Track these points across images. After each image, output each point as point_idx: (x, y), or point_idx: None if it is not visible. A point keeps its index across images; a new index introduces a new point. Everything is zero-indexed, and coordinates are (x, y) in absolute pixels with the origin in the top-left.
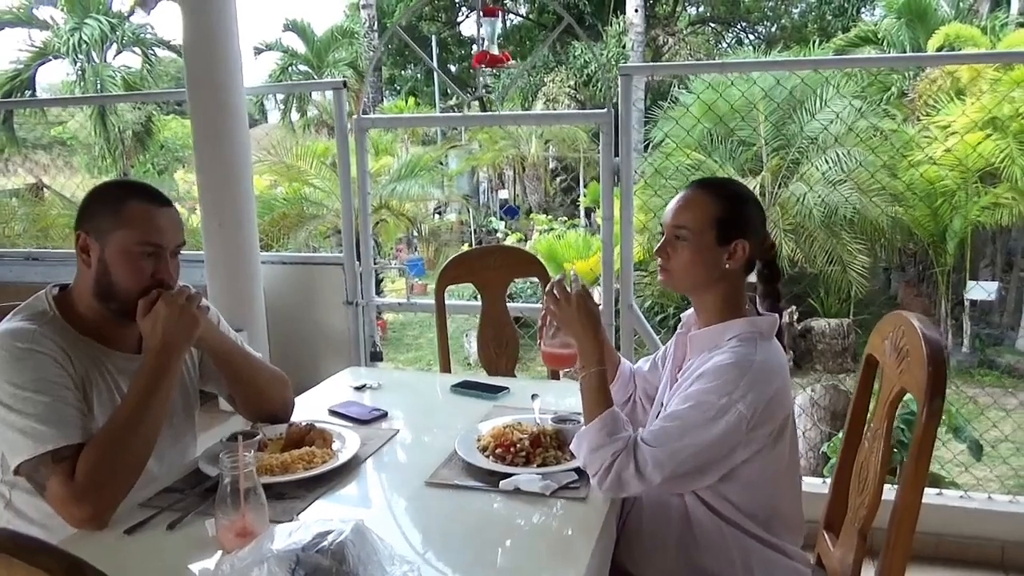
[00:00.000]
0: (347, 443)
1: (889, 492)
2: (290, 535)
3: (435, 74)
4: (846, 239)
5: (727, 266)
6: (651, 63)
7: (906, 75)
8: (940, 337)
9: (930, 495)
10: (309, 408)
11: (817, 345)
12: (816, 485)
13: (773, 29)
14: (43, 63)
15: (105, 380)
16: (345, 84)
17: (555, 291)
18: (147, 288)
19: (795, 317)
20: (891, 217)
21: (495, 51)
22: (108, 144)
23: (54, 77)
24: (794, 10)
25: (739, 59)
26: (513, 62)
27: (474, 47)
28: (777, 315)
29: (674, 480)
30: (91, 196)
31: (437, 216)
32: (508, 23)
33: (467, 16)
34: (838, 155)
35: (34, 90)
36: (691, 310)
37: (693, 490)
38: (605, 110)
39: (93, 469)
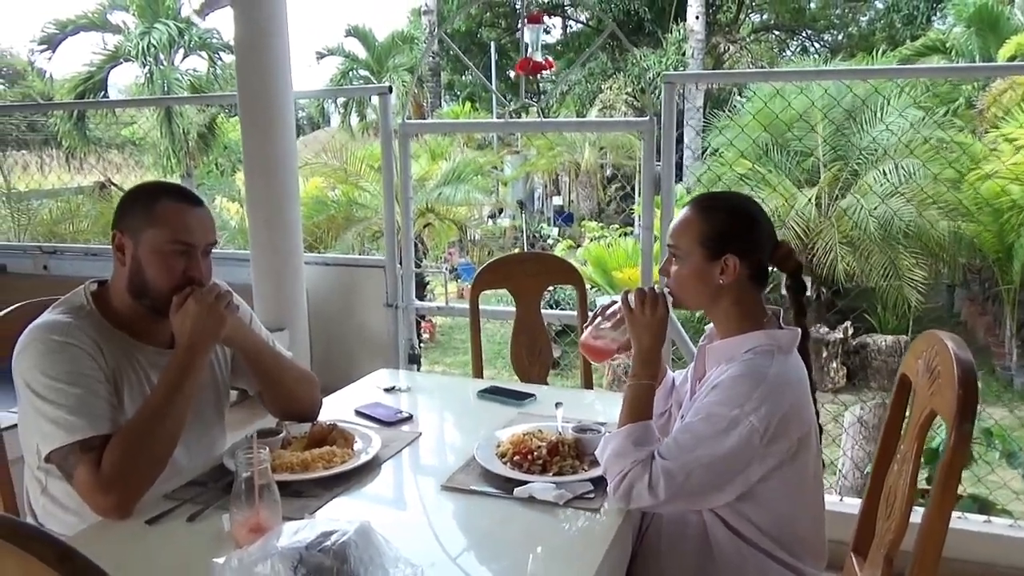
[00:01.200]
0: (368, 444)
1: (918, 516)
2: (296, 533)
3: (493, 80)
4: (903, 253)
5: (721, 281)
6: (696, 72)
7: (974, 85)
8: (972, 359)
9: (977, 522)
10: (336, 408)
11: (872, 362)
12: (857, 507)
13: (840, 37)
14: (115, 66)
15: (136, 373)
16: (390, 89)
17: (638, 297)
18: (179, 285)
19: (850, 332)
20: (953, 232)
21: (538, 58)
22: (173, 144)
23: (126, 79)
24: (862, 18)
25: (785, 69)
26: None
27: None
28: (799, 329)
29: (687, 495)
30: (126, 196)
31: (490, 221)
32: (568, 29)
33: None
34: (896, 167)
35: (106, 91)
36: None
37: (712, 508)
38: (647, 118)
39: (118, 460)
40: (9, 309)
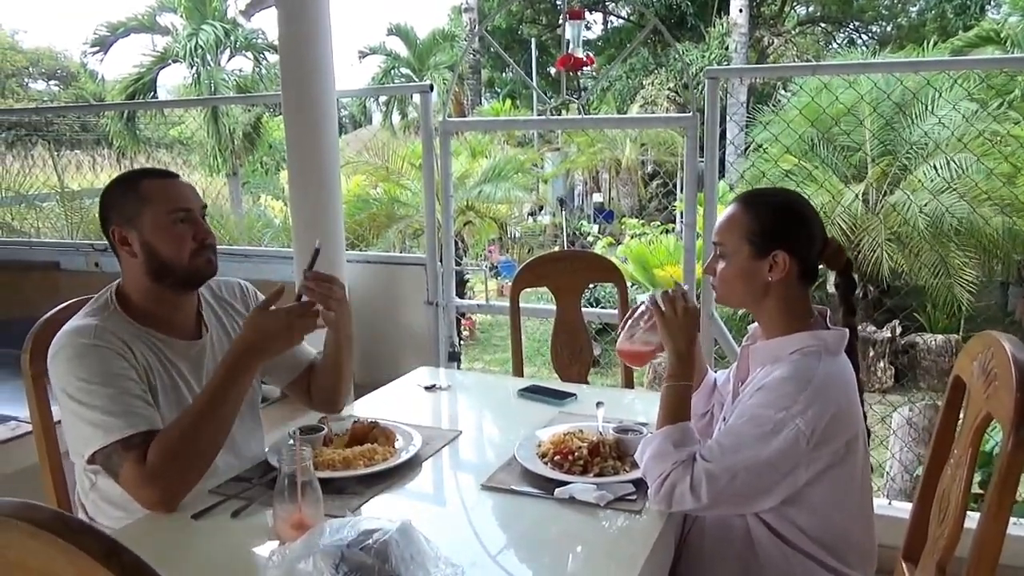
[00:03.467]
0: (409, 442)
1: (971, 521)
2: (338, 531)
3: (533, 77)
4: (953, 250)
5: (770, 279)
6: (740, 66)
7: None
8: None
9: None
10: (376, 406)
11: (921, 362)
12: (905, 510)
13: (889, 28)
14: (163, 67)
15: (165, 367)
16: (431, 88)
17: (666, 299)
18: (195, 251)
19: (898, 331)
20: (1007, 228)
21: (579, 54)
22: (219, 144)
23: (174, 80)
24: (912, 8)
25: (832, 62)
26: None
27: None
28: (847, 329)
29: (730, 499)
30: (106, 195)
31: (531, 218)
32: (609, 25)
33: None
34: (948, 161)
35: (155, 92)
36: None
37: (757, 513)
38: (690, 114)
39: (164, 455)
40: (61, 306)
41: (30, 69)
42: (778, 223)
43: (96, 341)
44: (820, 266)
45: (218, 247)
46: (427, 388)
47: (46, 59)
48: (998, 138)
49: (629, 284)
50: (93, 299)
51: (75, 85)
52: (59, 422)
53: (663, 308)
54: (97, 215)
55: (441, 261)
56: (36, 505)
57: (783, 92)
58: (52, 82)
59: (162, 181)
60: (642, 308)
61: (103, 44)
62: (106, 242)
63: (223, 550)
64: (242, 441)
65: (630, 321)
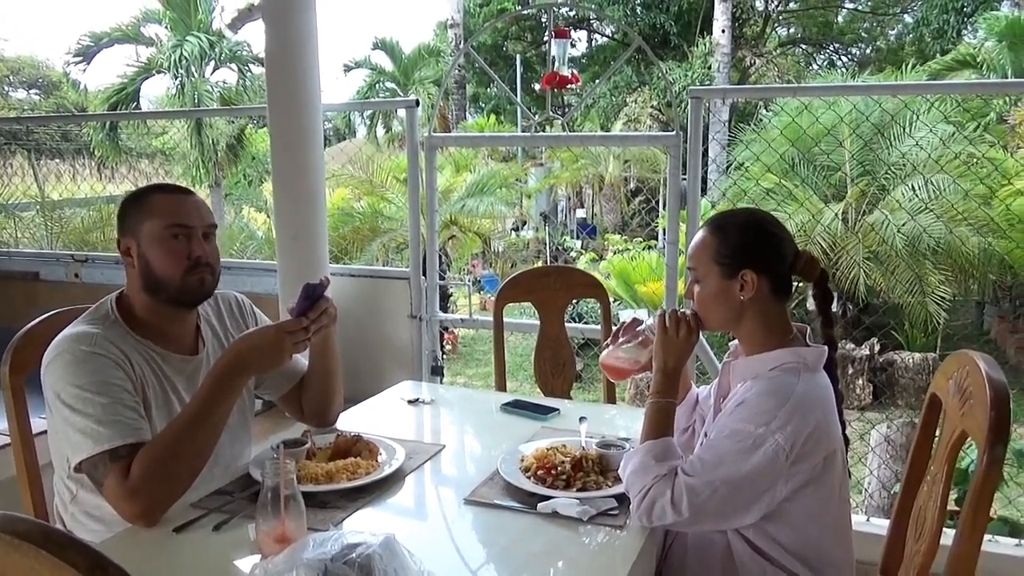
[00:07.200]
0: (392, 456)
1: (947, 538)
2: (322, 545)
3: (518, 93)
4: (930, 269)
5: (742, 298)
6: (723, 87)
7: (1006, 100)
8: (1005, 380)
9: (1009, 545)
10: (360, 419)
11: (899, 379)
12: (883, 527)
13: (868, 51)
14: (147, 77)
15: (160, 381)
16: (418, 103)
17: (673, 319)
18: (188, 268)
19: (876, 349)
20: (983, 249)
21: (565, 72)
22: (203, 155)
23: (158, 91)
24: (890, 32)
25: (813, 84)
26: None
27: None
28: (826, 347)
29: (711, 514)
30: (121, 205)
31: (514, 233)
32: (593, 43)
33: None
34: (926, 182)
35: (138, 103)
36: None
37: (737, 528)
38: (673, 133)
39: (147, 469)
40: (41, 318)
41: (11, 77)
42: (743, 242)
43: (96, 349)
44: (795, 280)
45: None
46: (410, 402)
47: (28, 68)
48: (974, 160)
49: (612, 300)
50: (93, 307)
51: (57, 94)
52: (40, 434)
53: (667, 325)
54: (77, 225)
55: (425, 275)
56: (20, 517)
57: (765, 112)
58: (33, 91)
59: (169, 196)
60: (641, 327)
61: (86, 54)
62: (85, 253)
63: (205, 564)
64: (233, 455)
65: (621, 337)
